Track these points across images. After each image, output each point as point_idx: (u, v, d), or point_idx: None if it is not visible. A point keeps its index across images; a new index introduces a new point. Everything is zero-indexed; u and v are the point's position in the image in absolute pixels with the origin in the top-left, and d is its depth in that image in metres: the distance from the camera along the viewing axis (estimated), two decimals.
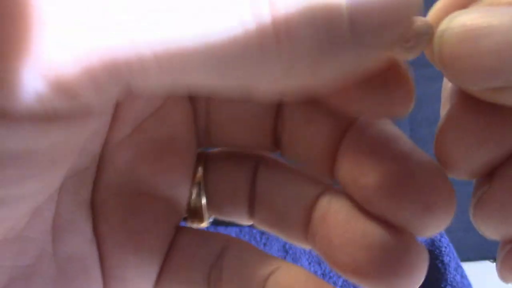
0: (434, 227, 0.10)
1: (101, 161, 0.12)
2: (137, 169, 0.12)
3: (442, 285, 0.51)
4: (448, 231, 0.58)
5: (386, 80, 0.10)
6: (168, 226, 0.12)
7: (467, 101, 0.09)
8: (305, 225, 0.11)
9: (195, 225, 0.13)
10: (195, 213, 0.13)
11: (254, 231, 0.49)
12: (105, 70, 0.08)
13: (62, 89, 0.08)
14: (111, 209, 0.12)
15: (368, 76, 0.09)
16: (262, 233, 0.50)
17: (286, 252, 0.52)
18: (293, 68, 0.08)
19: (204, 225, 0.13)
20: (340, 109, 0.11)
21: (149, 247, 0.12)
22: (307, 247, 0.12)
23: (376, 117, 0.11)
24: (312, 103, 0.11)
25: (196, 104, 0.12)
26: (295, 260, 0.52)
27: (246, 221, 0.13)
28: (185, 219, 0.13)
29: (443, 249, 0.53)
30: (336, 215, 0.10)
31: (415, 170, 0.10)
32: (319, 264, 0.52)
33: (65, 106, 0.08)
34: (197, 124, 0.12)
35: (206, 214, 0.13)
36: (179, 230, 0.12)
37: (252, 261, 0.11)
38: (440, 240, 0.54)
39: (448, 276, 0.51)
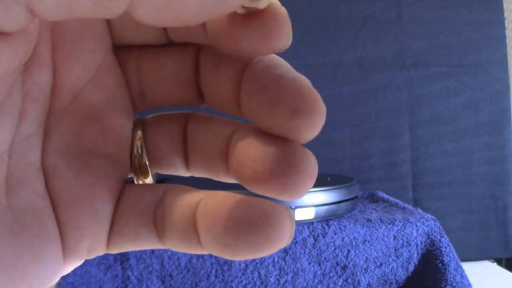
0: (306, 129, 0.11)
1: (47, 128, 0.13)
2: (81, 132, 0.13)
3: (442, 285, 0.51)
4: (448, 231, 0.58)
5: (262, 19, 0.11)
6: (116, 180, 0.14)
7: None
8: (226, 160, 0.13)
9: (142, 181, 0.15)
10: (139, 170, 0.15)
11: None
12: None
13: None
14: (62, 168, 0.13)
15: (246, 15, 0.11)
16: None
17: (286, 252, 0.52)
18: None
19: (149, 180, 0.15)
20: (232, 51, 0.12)
21: (101, 197, 0.13)
22: (232, 180, 0.13)
23: (260, 53, 0.12)
24: (219, 52, 0.13)
25: (127, 70, 0.14)
26: (295, 260, 0.52)
27: (184, 173, 0.15)
28: (133, 179, 0.15)
29: (443, 249, 0.53)
30: (242, 141, 0.12)
31: (286, 85, 0.11)
32: (319, 264, 0.52)
33: None
34: (130, 88, 0.14)
35: (149, 169, 0.15)
36: (126, 184, 0.14)
37: (187, 194, 0.13)
38: (440, 240, 0.54)
39: (448, 276, 0.51)
